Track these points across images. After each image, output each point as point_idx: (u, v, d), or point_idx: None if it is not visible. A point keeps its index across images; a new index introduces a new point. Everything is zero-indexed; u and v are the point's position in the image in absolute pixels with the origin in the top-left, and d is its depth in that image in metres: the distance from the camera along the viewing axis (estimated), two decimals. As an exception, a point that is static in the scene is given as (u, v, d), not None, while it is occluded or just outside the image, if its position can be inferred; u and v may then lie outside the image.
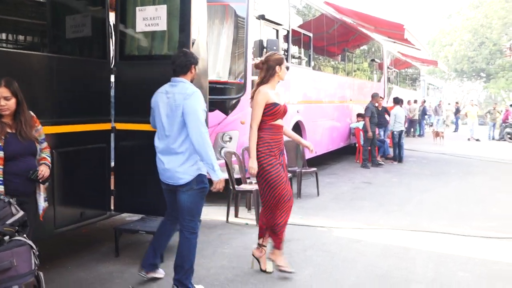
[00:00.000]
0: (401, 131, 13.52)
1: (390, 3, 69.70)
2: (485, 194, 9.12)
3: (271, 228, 4.63)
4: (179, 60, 4.12)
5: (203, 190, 4.08)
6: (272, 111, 4.45)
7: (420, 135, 24.48)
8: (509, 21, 37.97)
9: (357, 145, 13.19)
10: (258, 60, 4.75)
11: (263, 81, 4.55)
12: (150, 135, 4.42)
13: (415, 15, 69.66)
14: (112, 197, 5.15)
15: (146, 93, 4.35)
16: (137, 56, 5.27)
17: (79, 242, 5.53)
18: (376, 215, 7.22)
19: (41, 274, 3.08)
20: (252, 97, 4.57)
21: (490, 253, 5.49)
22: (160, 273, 4.54)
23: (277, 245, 4.67)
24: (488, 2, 40.21)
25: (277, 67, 4.53)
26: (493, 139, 23.46)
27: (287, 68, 4.73)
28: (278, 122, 4.53)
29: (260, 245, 4.79)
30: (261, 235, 4.78)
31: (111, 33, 5.23)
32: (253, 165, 4.42)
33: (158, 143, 4.13)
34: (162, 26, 5.05)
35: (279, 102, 4.50)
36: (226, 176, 3.98)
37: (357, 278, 4.67)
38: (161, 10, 5.01)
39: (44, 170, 3.54)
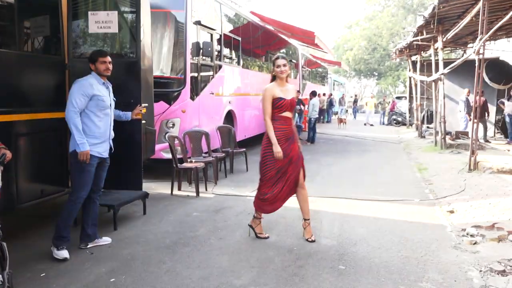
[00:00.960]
0: (316, 118, 13.85)
1: (303, 15, 70.95)
2: (376, 167, 9.52)
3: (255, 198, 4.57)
4: None
5: (77, 163, 4.00)
6: (278, 104, 4.31)
7: (327, 122, 25.05)
8: (395, 32, 40.09)
9: None
10: None
11: (272, 80, 4.44)
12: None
13: (324, 25, 71.41)
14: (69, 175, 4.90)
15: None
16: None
17: (41, 216, 5.24)
18: (293, 185, 7.33)
19: (4, 244, 2.88)
20: None
21: (380, 212, 5.74)
22: (104, 240, 4.39)
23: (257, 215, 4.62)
24: (379, 16, 42.13)
25: (273, 67, 4.41)
26: (383, 124, 24.29)
27: (276, 65, 4.35)
28: (286, 114, 4.36)
29: (255, 217, 4.67)
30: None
31: (66, 33, 4.92)
32: (276, 149, 4.27)
33: None
34: (114, 29, 4.89)
35: (284, 97, 4.32)
36: (88, 148, 3.95)
37: (277, 236, 4.75)
38: (113, 15, 4.84)
39: (8, 154, 3.29)
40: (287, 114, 4.37)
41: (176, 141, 6.95)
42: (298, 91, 24.09)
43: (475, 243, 4.51)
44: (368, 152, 11.91)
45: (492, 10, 8.31)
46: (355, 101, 31.60)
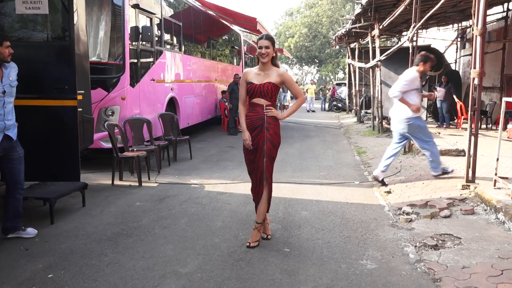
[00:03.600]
0: None
1: (245, 1, 70.43)
2: (318, 152, 9.73)
3: None
4: None
5: None
6: (247, 89, 3.90)
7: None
8: (334, 19, 40.60)
9: (222, 116, 13.33)
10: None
11: (258, 63, 3.96)
12: (34, 109, 3.98)
13: (265, 12, 71.39)
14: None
15: (25, 72, 3.89)
16: (19, 38, 4.69)
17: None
18: (237, 172, 7.36)
19: None
20: None
21: (322, 195, 5.89)
22: (27, 233, 4.20)
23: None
24: (319, 3, 42.67)
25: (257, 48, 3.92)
26: (324, 110, 24.69)
27: (258, 46, 3.88)
28: (256, 100, 3.90)
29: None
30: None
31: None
32: (244, 136, 3.93)
33: None
34: (44, 10, 4.55)
35: (254, 82, 3.86)
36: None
37: (223, 222, 4.75)
38: (41, -5, 4.49)
39: None
40: (259, 100, 3.90)
41: (116, 130, 6.71)
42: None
43: (410, 221, 4.76)
44: (310, 138, 12.12)
45: (424, 0, 8.71)
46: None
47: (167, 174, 7.12)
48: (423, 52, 6.17)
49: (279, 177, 6.93)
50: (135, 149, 6.99)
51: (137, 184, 6.33)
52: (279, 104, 25.57)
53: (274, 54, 3.88)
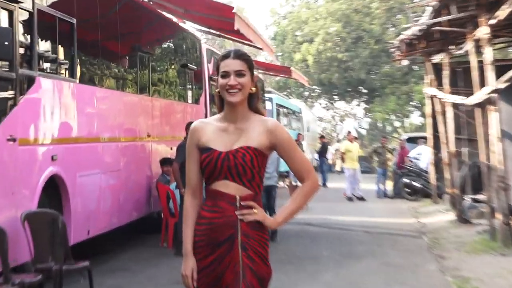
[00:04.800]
0: (272, 185, 7.81)
1: None
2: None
3: None
4: None
5: None
6: (202, 163, 2.16)
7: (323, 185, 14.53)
8: (396, 8, 21.73)
9: (163, 215, 7.24)
10: None
11: (219, 107, 2.26)
12: None
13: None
14: None
15: None
16: None
17: None
18: None
19: None
20: None
21: None
22: None
23: None
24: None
25: (217, 76, 2.19)
26: (385, 195, 13.57)
27: (221, 71, 2.11)
28: (220, 185, 2.14)
29: None
30: None
31: None
32: (184, 264, 2.16)
33: None
34: None
35: (215, 147, 2.13)
36: None
37: None
38: None
39: None
40: (225, 186, 2.14)
41: None
42: (300, 134, 16.79)
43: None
44: (356, 259, 6.66)
45: None
46: (324, 149, 18.23)
47: None
48: None
49: None
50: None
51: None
52: (286, 185, 11.62)
53: (254, 89, 2.22)
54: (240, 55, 2.19)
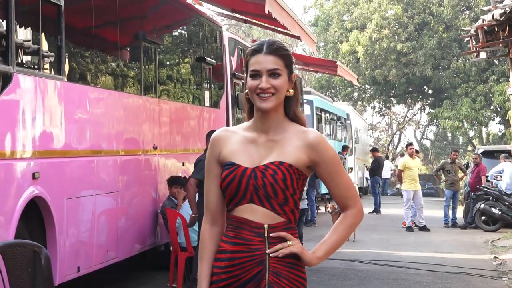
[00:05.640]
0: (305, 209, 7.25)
1: None
2: None
3: None
4: None
5: None
6: (222, 182, 1.95)
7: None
8: None
9: (171, 248, 6.36)
10: None
11: (249, 114, 2.08)
12: None
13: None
14: None
15: None
16: None
17: None
18: None
19: None
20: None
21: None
22: None
23: None
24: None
25: (246, 76, 2.00)
26: (455, 225, 11.79)
27: (250, 70, 1.87)
28: (245, 211, 1.93)
29: None
30: None
31: None
32: None
33: None
34: None
35: (239, 162, 1.94)
36: None
37: None
38: None
39: None
40: (251, 212, 1.94)
41: None
42: (347, 147, 14.97)
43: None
44: None
45: None
46: (376, 164, 15.41)
47: None
48: None
49: None
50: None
51: None
52: (328, 211, 9.92)
53: (292, 91, 2.04)
54: (275, 49, 2.00)
